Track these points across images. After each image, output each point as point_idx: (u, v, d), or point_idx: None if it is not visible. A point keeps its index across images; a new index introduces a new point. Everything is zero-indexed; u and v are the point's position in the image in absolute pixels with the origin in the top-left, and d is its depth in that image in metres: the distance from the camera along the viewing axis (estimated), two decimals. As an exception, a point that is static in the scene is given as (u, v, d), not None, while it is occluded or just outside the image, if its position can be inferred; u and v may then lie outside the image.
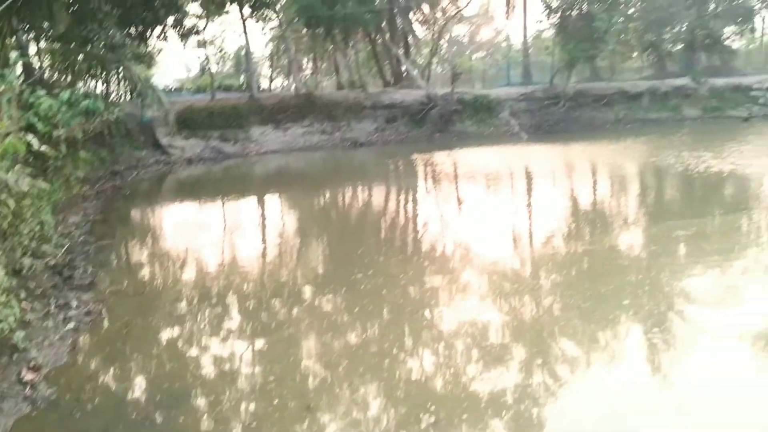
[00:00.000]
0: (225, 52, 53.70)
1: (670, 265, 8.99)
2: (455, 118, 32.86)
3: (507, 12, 43.01)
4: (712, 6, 41.72)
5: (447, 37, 54.20)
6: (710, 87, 36.38)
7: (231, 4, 33.00)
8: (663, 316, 7.06)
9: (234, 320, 7.85)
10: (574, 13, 32.00)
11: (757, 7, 46.43)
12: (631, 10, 40.24)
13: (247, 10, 33.60)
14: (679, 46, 44.26)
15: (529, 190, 17.72)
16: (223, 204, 17.88)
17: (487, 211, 14.46)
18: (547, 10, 34.68)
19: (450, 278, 9.10)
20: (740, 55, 47.66)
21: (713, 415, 5.05)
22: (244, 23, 33.35)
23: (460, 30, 62.79)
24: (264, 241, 12.78)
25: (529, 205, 15.29)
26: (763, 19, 51.05)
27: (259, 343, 7.00)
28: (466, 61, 54.81)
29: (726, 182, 15.62)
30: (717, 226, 11.37)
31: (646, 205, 14.11)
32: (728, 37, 46.18)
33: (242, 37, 34.30)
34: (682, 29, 42.46)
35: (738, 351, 6.13)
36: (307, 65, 54.26)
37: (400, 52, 38.65)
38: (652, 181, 17.63)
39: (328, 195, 18.50)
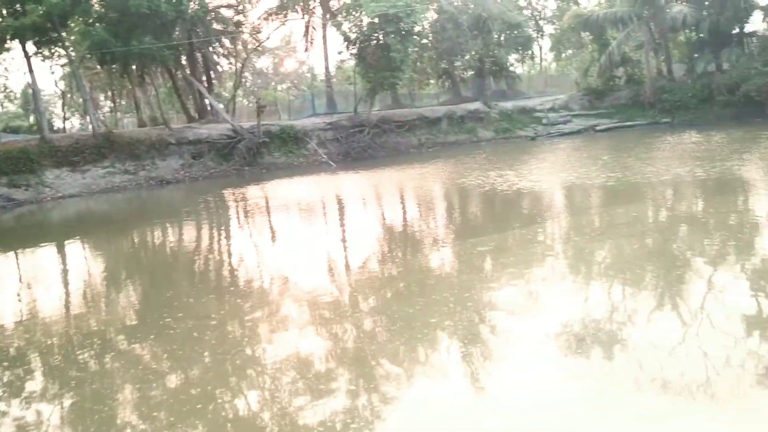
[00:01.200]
0: (9, 91, 49.78)
1: (476, 280, 9.49)
2: (263, 151, 32.72)
3: (307, 44, 43.73)
4: (496, 36, 45.13)
5: (251, 69, 54.00)
6: (500, 110, 39.23)
7: (11, 41, 30.46)
8: (475, 328, 7.42)
9: (37, 380, 7.18)
10: (372, 44, 33.19)
11: (534, 36, 51.09)
12: (425, 41, 42.47)
13: (31, 46, 31.25)
14: (471, 73, 47.40)
15: (342, 217, 17.99)
16: (17, 255, 16.39)
17: (301, 241, 14.47)
18: (346, 42, 35.68)
19: (267, 312, 8.96)
20: (524, 80, 52.02)
21: (528, 420, 5.34)
22: (28, 60, 31.00)
23: (263, 62, 62.87)
24: (67, 291, 11.86)
25: (342, 231, 15.52)
26: (540, 47, 56.23)
27: (67, 401, 6.45)
28: (271, 93, 54.92)
29: (523, 198, 16.86)
30: (516, 239, 12.20)
31: (451, 225, 14.85)
32: (512, 64, 50.33)
33: (28, 75, 31.86)
34: (472, 57, 45.51)
35: (543, 354, 6.55)
36: (105, 102, 51.67)
37: (203, 86, 37.92)
38: (457, 200, 18.61)
39: (135, 237, 17.59)
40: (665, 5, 36.08)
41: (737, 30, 36.68)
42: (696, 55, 38.50)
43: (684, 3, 35.72)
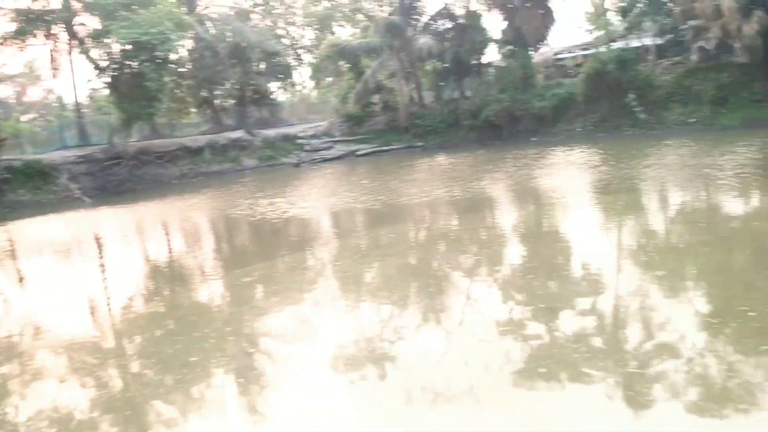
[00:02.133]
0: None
1: (243, 311, 9.34)
2: (5, 188, 29.63)
3: (53, 71, 40.56)
4: (255, 64, 45.25)
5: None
6: (263, 138, 39.28)
7: None
8: (249, 358, 7.28)
9: None
10: (126, 72, 31.64)
11: (293, 65, 52.06)
12: (182, 69, 41.40)
13: None
14: (232, 101, 46.99)
15: (101, 256, 16.80)
16: None
17: (56, 285, 13.26)
18: (97, 70, 33.68)
19: (21, 364, 8.07)
20: (286, 107, 52.67)
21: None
22: None
23: (4, 90, 57.34)
24: None
25: (102, 272, 14.48)
26: (300, 75, 57.40)
27: None
28: (13, 125, 50.07)
29: (290, 225, 16.96)
30: (285, 266, 12.21)
31: (219, 257, 14.51)
32: (273, 92, 50.77)
33: None
34: (232, 86, 45.17)
35: (318, 378, 6.58)
36: None
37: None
38: (224, 231, 18.25)
39: None
40: (412, 37, 38.60)
41: (476, 61, 40.21)
42: (442, 83, 41.58)
43: (428, 36, 38.42)
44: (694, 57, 31.00)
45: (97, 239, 19.55)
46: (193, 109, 48.59)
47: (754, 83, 28.39)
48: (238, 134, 39.49)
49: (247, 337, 8.17)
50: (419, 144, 37.95)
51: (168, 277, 12.92)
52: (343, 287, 10.36)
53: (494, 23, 39.95)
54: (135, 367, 7.76)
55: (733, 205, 13.36)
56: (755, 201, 13.62)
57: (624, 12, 36.56)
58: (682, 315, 7.31)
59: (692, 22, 30.00)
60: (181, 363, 7.37)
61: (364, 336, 7.77)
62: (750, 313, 6.90)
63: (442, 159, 30.28)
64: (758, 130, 24.92)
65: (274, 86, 50.87)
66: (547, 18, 36.78)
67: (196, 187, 30.64)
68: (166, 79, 34.04)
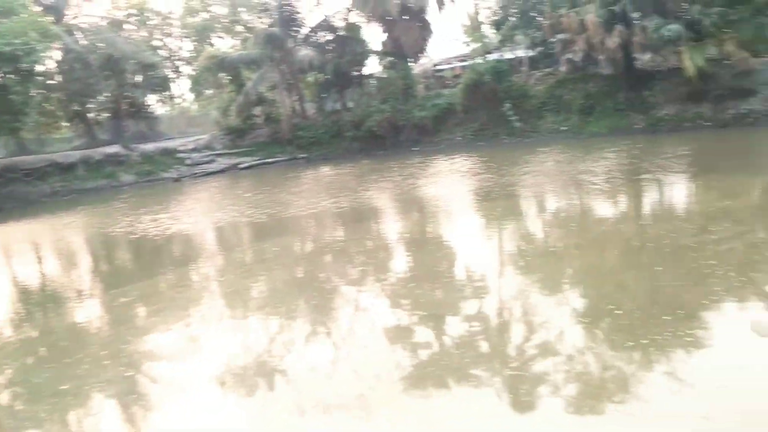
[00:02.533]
0: None
1: (125, 332, 8.93)
2: None
3: None
4: (130, 76, 43.63)
5: None
6: (141, 152, 37.89)
7: None
8: (128, 381, 6.97)
9: None
10: (-13, 84, 29.71)
11: (171, 77, 50.60)
12: (51, 81, 39.34)
13: None
14: (106, 115, 45.06)
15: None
16: None
17: None
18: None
19: None
20: (165, 121, 51.04)
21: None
22: None
23: None
24: None
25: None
26: (179, 87, 55.90)
27: None
28: None
29: (174, 241, 16.39)
30: (168, 283, 11.80)
31: (95, 277, 13.84)
32: (151, 105, 49.10)
33: None
34: (106, 99, 43.35)
35: (208, 396, 6.37)
36: None
37: None
38: (102, 251, 17.40)
39: None
40: (293, 49, 38.44)
41: (357, 72, 40.53)
42: (324, 95, 41.63)
43: (309, 47, 38.38)
44: (563, 68, 32.61)
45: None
46: (64, 123, 46.23)
47: (618, 93, 30.18)
48: (114, 149, 37.88)
49: (125, 360, 7.80)
50: (303, 156, 37.79)
51: (40, 301, 12.17)
52: (229, 303, 10.12)
53: (374, 35, 40.38)
54: (2, 398, 7.24)
55: (604, 209, 14.12)
56: (623, 205, 14.44)
57: (498, 25, 37.92)
58: (559, 316, 7.64)
59: (560, 36, 31.52)
60: (52, 392, 6.95)
61: (252, 351, 7.63)
62: (617, 312, 7.31)
63: (326, 170, 30.29)
64: (622, 137, 26.61)
65: (151, 99, 49.23)
66: (425, 30, 37.62)
67: (70, 205, 29.09)
68: (33, 92, 32.22)
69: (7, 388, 7.56)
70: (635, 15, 28.71)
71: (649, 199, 14.64)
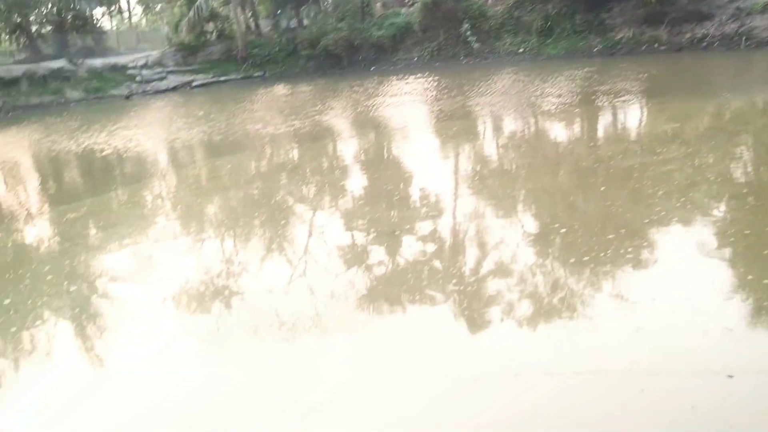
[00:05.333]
0: None
1: (71, 249, 8.86)
2: None
3: None
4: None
5: None
6: (88, 68, 36.60)
7: None
8: (76, 297, 6.99)
9: None
10: None
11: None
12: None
13: None
14: (50, 28, 43.16)
15: None
16: None
17: None
18: None
19: None
20: (113, 36, 49.18)
21: (155, 379, 5.19)
22: None
23: None
24: None
25: None
26: (129, 2, 53.68)
27: None
28: None
29: (124, 159, 16.08)
30: (118, 201, 11.65)
31: (41, 194, 13.54)
32: (98, 19, 47.15)
33: None
34: (49, 11, 41.48)
35: (161, 318, 6.42)
36: None
37: None
38: (48, 167, 16.99)
39: None
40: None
41: (315, -12, 39.47)
42: (279, 12, 40.51)
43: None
44: (521, -11, 32.24)
45: None
46: (5, 36, 44.19)
47: (576, 15, 30.06)
48: (59, 64, 36.47)
49: (70, 277, 7.77)
50: (258, 74, 36.97)
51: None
52: (182, 221, 10.07)
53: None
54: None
55: (556, 131, 14.26)
56: (575, 127, 14.60)
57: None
58: (508, 235, 7.84)
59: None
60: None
61: (205, 270, 7.63)
62: (562, 230, 7.55)
63: (281, 89, 29.75)
64: (580, 59, 26.70)
65: (98, 12, 47.22)
66: (383, -55, 36.61)
67: (14, 121, 28.13)
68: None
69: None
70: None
71: (601, 122, 14.84)
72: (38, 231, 10.33)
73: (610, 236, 7.14)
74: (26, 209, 12.06)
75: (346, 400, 4.56)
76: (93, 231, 9.84)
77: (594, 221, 7.90)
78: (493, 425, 4.19)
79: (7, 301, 7.10)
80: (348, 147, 15.29)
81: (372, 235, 8.31)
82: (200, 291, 7.01)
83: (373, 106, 20.61)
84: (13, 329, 6.57)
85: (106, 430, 4.62)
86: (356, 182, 11.58)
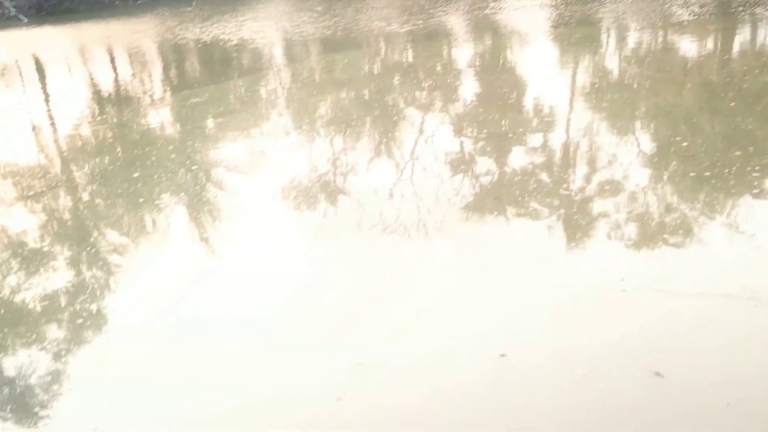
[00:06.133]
0: None
1: (193, 134, 9.27)
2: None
3: None
4: None
5: None
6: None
7: None
8: (202, 185, 7.33)
9: None
10: None
11: None
12: None
13: None
14: None
15: (43, 80, 16.16)
16: None
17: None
18: None
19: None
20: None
21: (259, 264, 5.45)
22: None
23: None
24: None
25: (45, 95, 13.99)
26: None
27: None
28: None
29: (249, 50, 16.39)
30: (236, 91, 11.95)
31: (166, 79, 14.07)
32: None
33: None
34: None
35: (268, 209, 6.66)
36: None
37: None
38: (173, 55, 17.56)
39: None
40: None
41: None
42: None
43: None
44: None
45: (37, 61, 18.71)
46: None
47: None
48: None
49: (191, 156, 8.18)
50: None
51: (113, 101, 12.54)
52: (295, 117, 10.25)
53: None
54: (85, 195, 7.72)
55: (689, 43, 13.31)
56: (710, 40, 13.58)
57: None
58: (627, 148, 7.49)
59: None
60: (124, 178, 7.53)
61: (314, 167, 7.79)
62: (683, 144, 7.18)
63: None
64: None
65: None
66: None
67: (146, 8, 29.04)
68: None
69: (91, 183, 8.03)
70: None
71: (739, 35, 13.72)
72: (163, 113, 10.82)
73: (737, 153, 6.71)
74: (154, 92, 12.60)
75: (446, 309, 4.56)
76: (213, 117, 10.20)
77: (720, 137, 7.42)
78: (597, 340, 4.12)
79: (135, 174, 7.66)
80: (464, 51, 14.90)
81: (480, 144, 8.17)
82: (308, 188, 7.17)
83: (499, 8, 19.86)
84: (141, 200, 7.07)
85: (214, 317, 4.83)
86: (469, 88, 11.33)
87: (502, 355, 4.01)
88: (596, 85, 10.47)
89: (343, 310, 4.72)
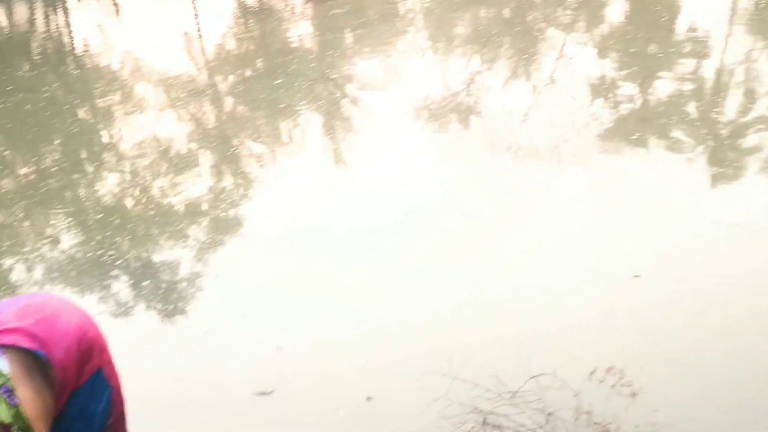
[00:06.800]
0: None
1: (329, 41, 9.60)
2: None
3: None
4: None
5: None
6: None
7: None
8: (339, 96, 7.50)
9: None
10: None
11: None
12: None
13: None
14: None
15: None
16: None
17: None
18: None
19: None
20: None
21: (391, 185, 5.55)
22: None
23: None
24: None
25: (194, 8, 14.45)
26: None
27: None
28: None
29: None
30: (373, 5, 11.88)
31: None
32: None
33: None
34: None
35: (402, 126, 6.72)
36: None
37: None
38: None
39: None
40: None
41: None
42: None
43: None
44: None
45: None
46: None
47: None
48: None
49: (330, 68, 8.42)
50: None
51: (256, 13, 12.79)
52: (432, 36, 10.10)
53: None
54: (227, 103, 8.09)
55: None
56: None
57: None
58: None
59: None
60: (266, 86, 7.77)
61: (449, 88, 7.72)
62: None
63: None
64: None
65: None
66: None
67: None
68: None
69: (231, 95, 8.39)
70: None
71: None
72: (305, 24, 10.98)
73: None
74: (295, 3, 12.71)
75: (571, 242, 4.46)
76: (352, 29, 10.23)
77: None
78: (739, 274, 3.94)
79: (277, 82, 7.93)
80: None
81: (625, 71, 7.75)
82: (442, 107, 7.13)
83: None
84: (282, 105, 7.35)
85: (341, 238, 4.88)
86: (616, 10, 10.65)
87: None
88: (760, 4, 9.57)
89: (467, 237, 4.68)
